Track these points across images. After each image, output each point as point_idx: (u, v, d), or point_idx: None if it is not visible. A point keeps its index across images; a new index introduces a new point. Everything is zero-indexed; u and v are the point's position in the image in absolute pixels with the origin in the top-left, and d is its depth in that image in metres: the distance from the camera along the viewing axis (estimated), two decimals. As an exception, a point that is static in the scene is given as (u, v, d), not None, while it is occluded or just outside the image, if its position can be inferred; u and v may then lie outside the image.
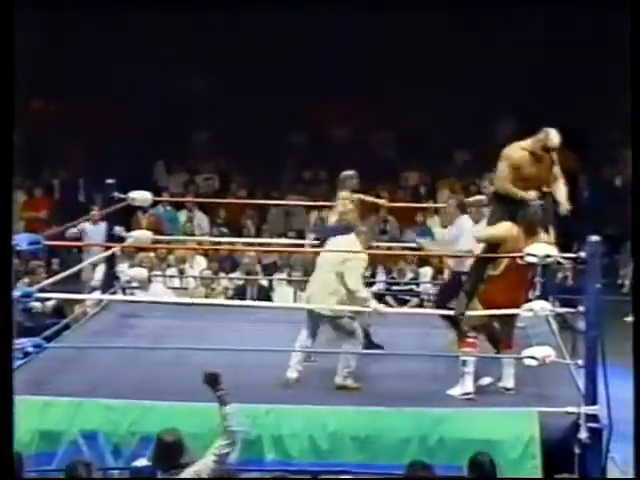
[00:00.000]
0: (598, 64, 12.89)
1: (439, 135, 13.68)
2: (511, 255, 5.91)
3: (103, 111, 13.59)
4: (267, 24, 13.19)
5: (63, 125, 13.72)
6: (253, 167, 13.35)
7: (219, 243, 10.12)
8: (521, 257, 5.86)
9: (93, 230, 10.19)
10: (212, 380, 4.68)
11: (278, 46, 13.49)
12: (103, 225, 9.73)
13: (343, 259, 6.08)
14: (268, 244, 10.15)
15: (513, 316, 6.06)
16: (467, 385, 5.97)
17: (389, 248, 9.93)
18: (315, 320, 6.16)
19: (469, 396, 5.94)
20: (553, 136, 6.03)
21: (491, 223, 6.16)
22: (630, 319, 9.31)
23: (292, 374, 6.12)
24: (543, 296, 7.18)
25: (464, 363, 5.99)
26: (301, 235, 11.64)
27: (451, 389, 6.01)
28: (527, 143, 6.09)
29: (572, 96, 13.21)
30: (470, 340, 6.04)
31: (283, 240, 10.63)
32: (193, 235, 11.48)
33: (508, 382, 6.06)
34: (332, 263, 6.11)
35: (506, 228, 5.99)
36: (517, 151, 6.07)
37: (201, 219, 12.21)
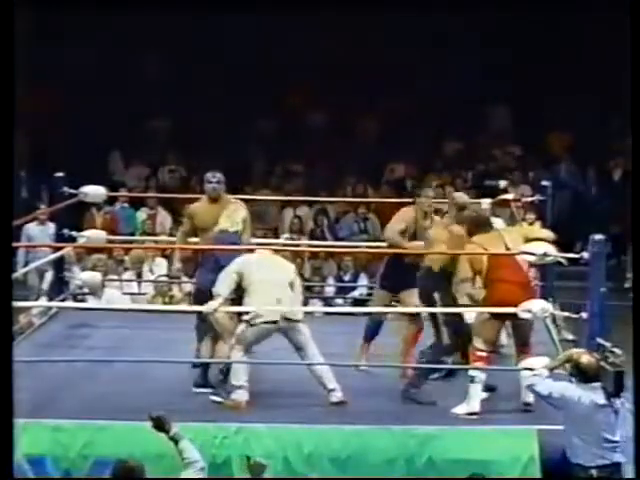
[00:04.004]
0: (594, 52, 13.01)
1: (427, 123, 13.69)
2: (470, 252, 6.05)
3: (50, 96, 13.50)
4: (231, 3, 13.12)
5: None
6: (219, 159, 13.30)
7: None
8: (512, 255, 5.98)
9: (39, 232, 10.11)
10: (160, 423, 4.75)
11: (243, 25, 13.45)
12: (50, 225, 9.66)
13: (291, 269, 6.39)
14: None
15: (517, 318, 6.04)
16: (473, 404, 5.97)
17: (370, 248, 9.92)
18: (268, 336, 6.19)
19: (474, 416, 5.94)
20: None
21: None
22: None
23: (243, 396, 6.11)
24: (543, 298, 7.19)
25: (472, 380, 5.99)
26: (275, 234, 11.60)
27: (456, 407, 5.99)
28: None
29: (569, 83, 13.32)
30: (481, 354, 6.03)
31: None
32: (154, 235, 11.41)
33: (528, 396, 6.04)
34: (287, 266, 6.36)
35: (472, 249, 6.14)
36: None
37: (164, 217, 12.14)
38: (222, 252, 6.39)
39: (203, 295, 6.36)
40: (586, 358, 5.31)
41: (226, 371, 6.24)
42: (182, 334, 7.27)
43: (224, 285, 6.22)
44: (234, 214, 6.68)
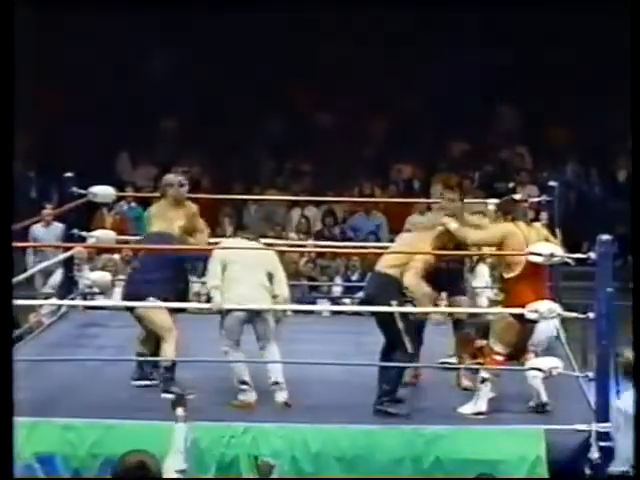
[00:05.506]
0: (599, 52, 13.00)
1: (434, 124, 13.69)
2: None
3: (59, 97, 13.51)
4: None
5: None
6: (228, 159, 13.32)
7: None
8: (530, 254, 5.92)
9: (44, 232, 10.08)
10: (176, 401, 4.87)
11: (251, 22, 13.44)
12: (57, 226, 9.66)
13: (271, 259, 6.25)
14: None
15: (529, 320, 6.00)
16: (480, 404, 5.95)
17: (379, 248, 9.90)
18: (242, 325, 6.17)
19: (481, 416, 5.92)
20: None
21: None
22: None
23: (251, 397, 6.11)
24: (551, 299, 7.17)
25: (482, 380, 5.96)
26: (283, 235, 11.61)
27: (462, 406, 5.98)
28: None
29: (573, 83, 13.31)
30: (496, 357, 5.96)
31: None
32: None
33: (542, 396, 6.02)
34: (262, 263, 6.21)
35: (504, 229, 6.05)
36: None
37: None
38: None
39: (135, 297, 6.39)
40: (632, 354, 5.11)
41: (169, 368, 6.24)
42: (191, 333, 7.28)
43: (213, 277, 6.20)
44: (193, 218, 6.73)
